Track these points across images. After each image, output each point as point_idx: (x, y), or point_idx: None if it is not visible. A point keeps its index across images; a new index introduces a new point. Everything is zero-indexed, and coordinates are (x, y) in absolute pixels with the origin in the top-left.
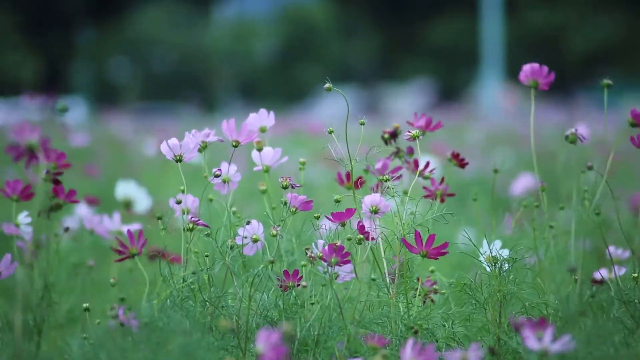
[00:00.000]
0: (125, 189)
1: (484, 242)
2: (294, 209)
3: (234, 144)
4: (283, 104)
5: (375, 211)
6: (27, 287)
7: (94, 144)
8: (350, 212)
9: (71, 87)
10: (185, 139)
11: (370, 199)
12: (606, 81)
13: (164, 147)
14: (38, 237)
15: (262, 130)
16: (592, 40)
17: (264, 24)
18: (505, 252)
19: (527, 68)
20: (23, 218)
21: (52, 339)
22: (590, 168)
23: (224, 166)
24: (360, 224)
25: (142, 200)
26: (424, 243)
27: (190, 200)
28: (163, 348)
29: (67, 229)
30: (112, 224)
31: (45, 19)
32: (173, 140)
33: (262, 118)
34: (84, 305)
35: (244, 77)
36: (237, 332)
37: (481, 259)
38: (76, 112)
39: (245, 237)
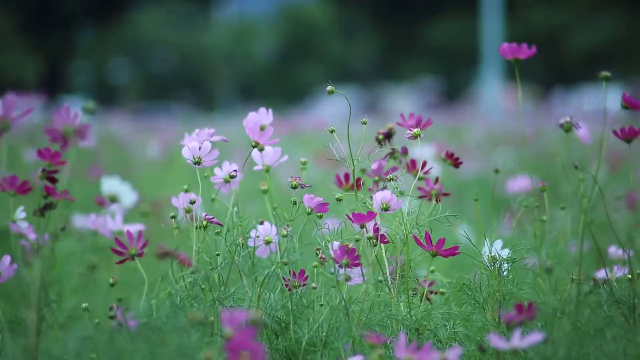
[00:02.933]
0: (110, 185)
1: (486, 242)
2: (310, 210)
3: (254, 144)
4: (283, 104)
5: (386, 208)
6: (35, 286)
7: (94, 144)
8: (371, 214)
9: (71, 87)
10: (205, 143)
11: (382, 196)
12: (604, 73)
13: (185, 151)
14: (39, 236)
15: (262, 128)
16: (592, 40)
17: (264, 24)
18: (505, 252)
19: (505, 47)
20: (19, 213)
21: (51, 339)
22: (576, 167)
23: (226, 165)
24: (375, 225)
25: (127, 195)
26: (434, 243)
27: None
28: (161, 348)
29: (63, 228)
30: (114, 224)
31: (45, 19)
32: (194, 144)
33: (261, 116)
34: (83, 305)
35: (244, 77)
36: (207, 325)
37: (483, 258)
38: (75, 112)
39: (258, 237)
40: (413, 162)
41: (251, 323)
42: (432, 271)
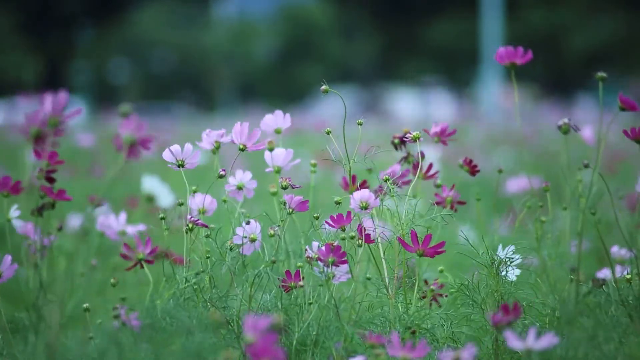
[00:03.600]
0: (150, 184)
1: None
2: (291, 210)
3: (241, 147)
4: (283, 104)
5: (365, 207)
6: (61, 284)
7: (94, 143)
8: (349, 216)
9: (71, 87)
10: (186, 145)
11: (360, 195)
12: (600, 74)
13: (166, 154)
14: (42, 236)
15: (277, 131)
16: (592, 40)
17: (264, 24)
18: (504, 252)
19: (502, 51)
20: (13, 212)
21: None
22: (586, 166)
23: (239, 173)
24: (360, 226)
25: (165, 196)
26: (420, 242)
27: (209, 201)
28: (166, 348)
29: (60, 228)
30: (117, 224)
31: (45, 19)
32: (175, 147)
33: (278, 119)
34: (84, 305)
35: (244, 77)
36: (235, 329)
37: (484, 259)
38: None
39: (245, 237)
40: (415, 165)
41: (273, 328)
42: (441, 271)
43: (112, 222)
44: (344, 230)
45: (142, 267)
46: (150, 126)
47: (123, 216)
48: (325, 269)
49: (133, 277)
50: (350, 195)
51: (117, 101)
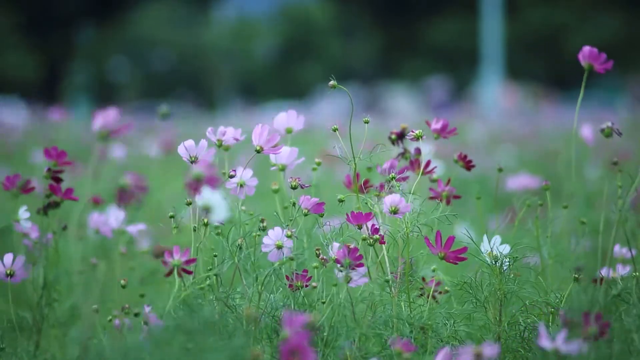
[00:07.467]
0: (208, 197)
1: (486, 239)
2: (306, 211)
3: (257, 149)
4: (282, 103)
5: (395, 211)
6: (98, 283)
7: (94, 143)
8: (368, 215)
9: (71, 86)
10: (202, 141)
11: (391, 199)
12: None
13: (180, 149)
14: (44, 235)
15: (289, 131)
16: (592, 40)
17: (264, 23)
18: (506, 249)
19: (586, 50)
20: (22, 213)
21: (52, 338)
22: (614, 163)
23: (239, 170)
24: (374, 226)
25: (220, 210)
26: (443, 244)
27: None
28: (203, 353)
29: (64, 227)
30: (115, 223)
31: (45, 19)
32: (189, 142)
33: (290, 119)
34: (94, 306)
35: (244, 77)
36: (249, 329)
37: (484, 256)
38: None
39: (268, 244)
40: (417, 162)
41: (307, 327)
42: (434, 270)
43: (110, 219)
44: (360, 228)
45: (179, 275)
46: (149, 125)
47: (121, 214)
48: (343, 270)
49: (131, 277)
50: (356, 195)
51: (118, 100)
